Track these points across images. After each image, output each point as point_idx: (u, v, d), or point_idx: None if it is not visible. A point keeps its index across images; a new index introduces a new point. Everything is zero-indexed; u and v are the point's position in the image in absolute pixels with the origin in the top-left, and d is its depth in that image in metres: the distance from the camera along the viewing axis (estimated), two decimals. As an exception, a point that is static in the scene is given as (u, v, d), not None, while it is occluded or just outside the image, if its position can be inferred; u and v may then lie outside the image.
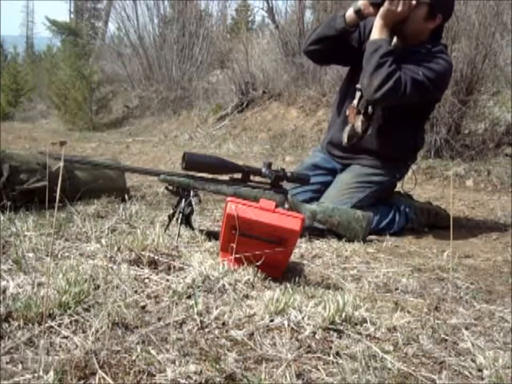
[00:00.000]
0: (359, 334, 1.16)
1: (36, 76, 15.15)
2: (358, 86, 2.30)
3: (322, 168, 2.52)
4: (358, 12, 2.25)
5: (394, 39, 2.34)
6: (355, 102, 2.33)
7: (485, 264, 1.95)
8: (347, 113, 2.36)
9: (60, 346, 0.99)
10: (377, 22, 2.22)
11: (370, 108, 2.31)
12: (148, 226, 1.89)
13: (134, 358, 0.96)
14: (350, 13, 2.27)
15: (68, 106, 10.41)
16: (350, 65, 2.51)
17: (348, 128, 2.35)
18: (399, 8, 2.17)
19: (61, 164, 1.04)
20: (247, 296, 1.30)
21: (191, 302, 1.20)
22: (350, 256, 1.89)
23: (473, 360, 1.09)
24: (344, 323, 1.18)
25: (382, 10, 2.19)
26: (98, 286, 1.24)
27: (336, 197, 2.34)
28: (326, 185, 2.45)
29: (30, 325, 1.04)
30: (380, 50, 2.18)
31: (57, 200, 1.01)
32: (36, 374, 0.88)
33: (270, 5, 8.29)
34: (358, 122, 2.32)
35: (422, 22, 2.28)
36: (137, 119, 9.67)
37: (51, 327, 1.04)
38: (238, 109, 7.43)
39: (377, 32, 2.22)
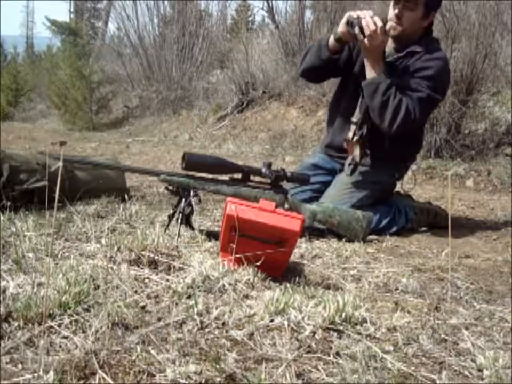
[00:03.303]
0: (359, 334, 1.16)
1: (36, 76, 15.13)
2: (354, 119, 2.33)
3: (322, 168, 2.53)
4: (339, 40, 2.28)
5: (390, 41, 2.36)
6: (350, 134, 2.34)
7: (485, 264, 1.95)
8: (344, 146, 2.37)
9: (60, 346, 0.99)
10: (366, 61, 2.25)
11: (365, 130, 2.31)
12: (147, 226, 1.89)
13: (134, 358, 0.96)
14: (331, 41, 2.30)
15: (68, 106, 10.40)
16: (345, 73, 2.52)
17: (348, 161, 2.36)
18: (377, 40, 2.17)
19: (60, 163, 1.04)
20: (247, 296, 1.30)
21: (191, 302, 1.20)
22: (350, 256, 1.89)
23: (473, 360, 1.09)
24: (344, 323, 1.18)
25: (363, 49, 2.22)
26: (98, 286, 1.24)
27: (336, 196, 2.34)
28: (326, 185, 2.45)
29: (30, 325, 1.04)
30: (380, 89, 2.21)
31: (56, 200, 1.01)
32: (35, 374, 0.88)
33: (270, 5, 8.29)
34: (356, 152, 2.33)
35: (419, 22, 2.33)
36: (137, 119, 9.67)
37: (51, 327, 1.04)
38: (238, 109, 7.42)
39: (369, 71, 2.24)
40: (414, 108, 2.21)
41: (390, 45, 2.38)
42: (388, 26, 2.32)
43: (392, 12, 2.33)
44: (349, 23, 2.19)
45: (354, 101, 2.37)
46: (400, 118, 2.20)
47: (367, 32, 2.13)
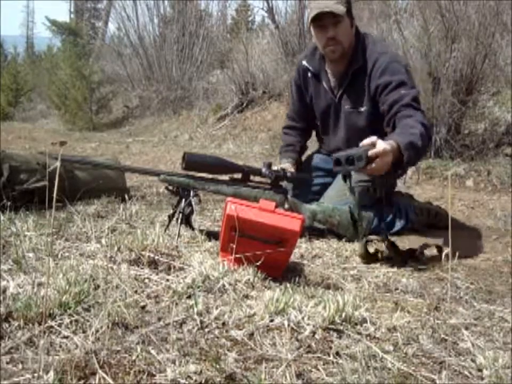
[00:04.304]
0: (359, 334, 1.16)
1: (36, 76, 15.11)
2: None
3: (321, 169, 2.52)
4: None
5: (330, 75, 2.35)
6: None
7: (485, 264, 1.95)
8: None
9: (60, 346, 0.99)
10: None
11: None
12: (148, 226, 1.89)
13: (134, 358, 0.96)
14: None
15: (68, 106, 10.38)
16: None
17: None
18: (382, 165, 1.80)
19: (58, 163, 1.04)
20: (247, 296, 1.30)
21: (191, 302, 1.20)
22: (350, 256, 1.89)
23: (473, 360, 1.09)
24: (344, 323, 1.18)
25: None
26: (98, 286, 1.24)
27: (336, 197, 2.34)
28: (326, 186, 2.45)
29: (30, 325, 1.04)
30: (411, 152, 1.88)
31: (54, 200, 1.00)
32: (35, 374, 0.88)
33: (270, 5, 8.26)
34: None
35: (351, 30, 2.28)
36: (137, 119, 9.66)
37: (51, 327, 1.04)
38: (238, 109, 7.42)
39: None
40: (421, 121, 2.01)
41: (330, 78, 2.37)
42: (326, 53, 2.29)
43: (322, 39, 2.25)
44: None
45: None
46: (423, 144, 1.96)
47: None
